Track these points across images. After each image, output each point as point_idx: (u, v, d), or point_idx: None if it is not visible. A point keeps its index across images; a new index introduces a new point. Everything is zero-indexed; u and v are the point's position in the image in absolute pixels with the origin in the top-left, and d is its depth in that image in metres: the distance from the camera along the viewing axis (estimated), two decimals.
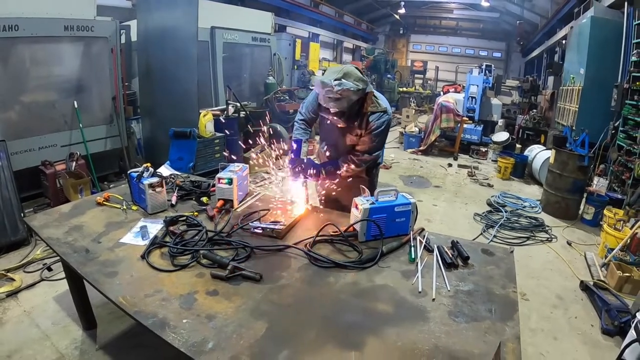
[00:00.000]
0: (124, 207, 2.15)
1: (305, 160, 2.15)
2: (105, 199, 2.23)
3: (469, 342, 1.24)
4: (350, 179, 2.18)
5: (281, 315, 1.33)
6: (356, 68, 1.93)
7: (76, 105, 4.04)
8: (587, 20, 5.50)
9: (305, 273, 1.58)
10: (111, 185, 4.32)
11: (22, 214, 3.25)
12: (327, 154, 2.30)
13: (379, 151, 2.21)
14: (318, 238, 1.80)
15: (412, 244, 1.79)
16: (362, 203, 1.81)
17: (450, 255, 1.71)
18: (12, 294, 2.57)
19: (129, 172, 2.24)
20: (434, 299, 1.44)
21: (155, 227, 1.91)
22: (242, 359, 1.13)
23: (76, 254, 1.68)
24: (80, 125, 4.08)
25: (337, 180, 2.17)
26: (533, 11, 13.89)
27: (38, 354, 2.10)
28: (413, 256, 1.71)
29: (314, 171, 2.13)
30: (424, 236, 1.87)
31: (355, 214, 1.85)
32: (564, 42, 7.63)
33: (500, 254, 1.83)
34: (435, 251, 1.75)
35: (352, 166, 2.11)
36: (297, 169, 2.11)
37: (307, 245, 1.76)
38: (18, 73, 3.67)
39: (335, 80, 1.82)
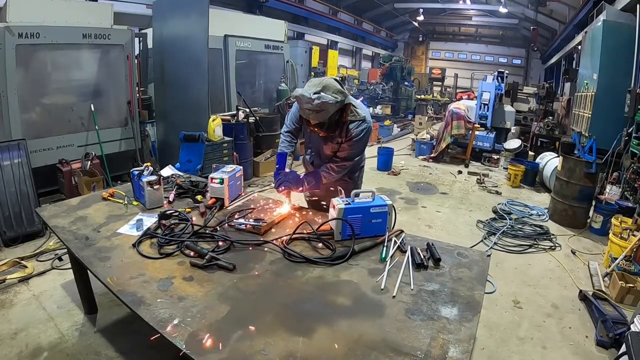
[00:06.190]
0: (126, 202, 2.32)
1: (289, 173, 2.24)
2: (110, 194, 2.41)
3: (418, 338, 1.26)
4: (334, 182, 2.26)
5: (244, 300, 1.44)
6: (335, 79, 2.00)
7: (93, 108, 4.28)
8: (600, 24, 5.35)
9: (276, 266, 1.68)
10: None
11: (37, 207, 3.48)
12: (311, 161, 2.41)
13: (359, 157, 2.29)
14: (296, 236, 1.89)
15: (386, 244, 1.84)
16: (337, 203, 1.89)
17: (422, 257, 1.73)
18: (24, 279, 2.79)
19: (131, 170, 2.39)
20: (394, 296, 1.48)
21: (150, 221, 2.05)
22: (200, 335, 1.24)
23: (77, 241, 1.86)
24: (96, 127, 4.31)
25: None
26: (551, 17, 13.57)
27: (42, 333, 2.28)
28: (384, 256, 1.76)
29: (297, 183, 2.21)
30: (401, 237, 1.92)
31: (332, 214, 1.93)
32: (579, 47, 7.43)
33: (476, 258, 1.83)
34: (408, 252, 1.78)
35: (333, 173, 2.20)
36: (281, 181, 2.21)
37: (284, 241, 1.84)
38: (39, 77, 3.92)
39: (314, 93, 1.87)
